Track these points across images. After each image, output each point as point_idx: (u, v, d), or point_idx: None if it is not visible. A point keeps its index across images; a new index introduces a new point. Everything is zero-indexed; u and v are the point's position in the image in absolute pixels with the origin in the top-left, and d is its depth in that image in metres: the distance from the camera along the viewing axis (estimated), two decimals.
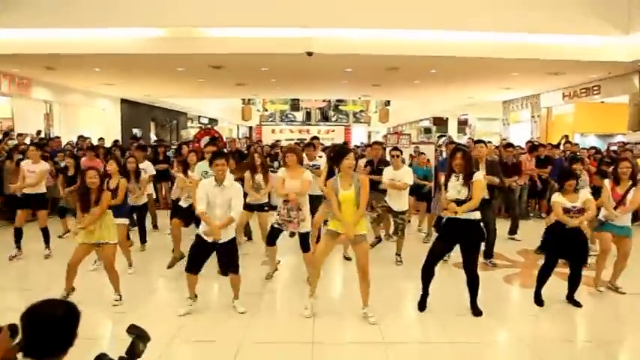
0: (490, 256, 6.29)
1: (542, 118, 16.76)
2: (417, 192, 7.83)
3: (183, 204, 6.03)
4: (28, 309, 1.74)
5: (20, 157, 8.23)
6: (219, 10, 8.88)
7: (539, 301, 4.86)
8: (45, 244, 6.49)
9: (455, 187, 4.48)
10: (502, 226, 7.67)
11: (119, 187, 5.46)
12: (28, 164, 6.57)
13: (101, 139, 13.33)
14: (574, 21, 9.00)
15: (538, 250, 5.49)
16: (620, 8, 9.24)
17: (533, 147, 9.60)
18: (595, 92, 13.46)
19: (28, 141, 10.84)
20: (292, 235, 6.03)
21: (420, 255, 4.84)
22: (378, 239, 6.90)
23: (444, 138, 16.81)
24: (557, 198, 4.86)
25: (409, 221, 6.49)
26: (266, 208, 6.26)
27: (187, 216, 5.86)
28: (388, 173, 6.34)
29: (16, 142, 10.56)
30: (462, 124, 25.35)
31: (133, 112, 20.32)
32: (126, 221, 5.82)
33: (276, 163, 11.15)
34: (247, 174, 6.13)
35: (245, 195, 6.31)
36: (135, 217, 7.02)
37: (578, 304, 4.81)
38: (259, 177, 6.12)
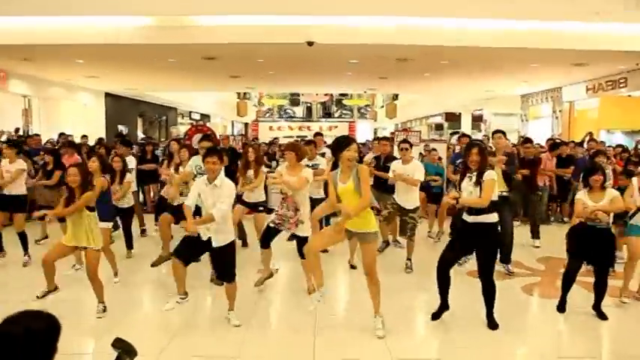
0: (507, 261, 6.27)
1: (564, 113, 16.73)
2: (428, 191, 7.81)
3: (174, 203, 6.06)
4: (3, 322, 1.74)
5: None
6: None
7: (562, 307, 4.86)
8: (23, 250, 6.50)
9: (467, 189, 4.47)
10: (521, 231, 7.68)
11: (96, 185, 5.43)
12: (6, 164, 6.65)
13: (84, 136, 13.36)
14: (599, 7, 8.97)
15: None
16: None
17: (554, 145, 9.55)
18: (622, 85, 13.43)
19: (4, 139, 10.86)
20: (290, 239, 6.02)
21: (432, 262, 4.83)
22: (386, 243, 6.86)
23: (456, 135, 16.79)
24: (580, 195, 4.83)
25: (420, 221, 6.43)
26: (261, 209, 6.28)
27: (178, 212, 5.85)
28: (396, 168, 6.31)
29: None
30: (477, 120, 25.29)
31: (118, 107, 20.36)
32: (109, 225, 5.84)
33: (274, 163, 11.17)
34: (241, 170, 6.19)
35: (242, 192, 6.39)
36: (119, 221, 7.02)
37: (603, 316, 4.78)
38: (251, 172, 6.22)
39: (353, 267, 6.34)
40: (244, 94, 27.66)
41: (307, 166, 6.25)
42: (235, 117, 29.65)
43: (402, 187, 6.27)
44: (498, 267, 5.94)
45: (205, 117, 29.53)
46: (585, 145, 10.80)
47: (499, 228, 4.64)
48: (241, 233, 7.17)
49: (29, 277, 5.78)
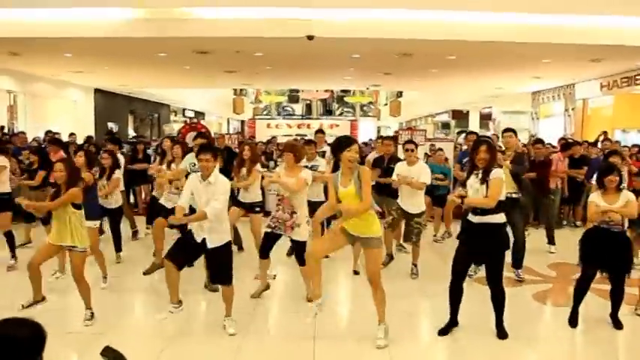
0: (519, 266, 6.25)
1: (577, 111, 16.73)
2: (433, 193, 7.80)
3: (165, 203, 6.04)
4: None
5: None
6: None
7: (574, 321, 4.81)
8: (10, 252, 6.47)
9: (473, 186, 4.45)
10: (532, 236, 7.66)
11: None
12: None
13: (72, 134, 13.37)
14: (614, 1, 8.96)
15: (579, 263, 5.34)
16: None
17: (566, 145, 9.54)
18: (638, 82, 13.43)
19: None
20: (289, 254, 6.06)
21: (437, 267, 4.84)
22: (390, 257, 6.62)
23: (464, 134, 16.81)
24: (594, 197, 4.79)
25: (426, 225, 6.40)
26: (257, 209, 6.28)
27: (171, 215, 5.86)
28: (400, 170, 6.27)
29: None
30: (485, 119, 25.31)
31: (108, 103, 20.37)
32: (96, 224, 5.83)
33: (271, 163, 11.17)
34: (235, 169, 6.20)
35: (238, 192, 6.39)
36: (107, 224, 7.00)
37: (619, 325, 4.76)
38: (244, 171, 6.25)
39: (356, 273, 6.34)
40: (241, 90, 27.68)
41: (305, 167, 6.25)
42: (231, 114, 29.66)
43: (406, 190, 6.23)
44: (509, 273, 5.95)
45: (200, 114, 29.56)
46: (599, 145, 10.80)
47: (509, 231, 4.62)
48: (237, 238, 7.16)
49: (15, 282, 5.75)
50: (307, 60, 12.97)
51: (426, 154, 9.95)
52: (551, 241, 7.67)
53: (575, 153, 9.29)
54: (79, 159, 5.65)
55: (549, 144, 11.74)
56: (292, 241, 5.34)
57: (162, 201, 6.20)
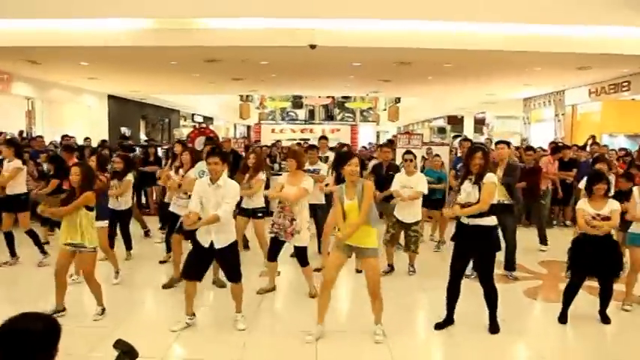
0: (511, 268, 6.24)
1: (567, 116, 16.69)
2: (430, 199, 7.77)
3: (174, 209, 6.00)
4: (3, 324, 1.74)
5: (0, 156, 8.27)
6: None
7: (563, 319, 4.81)
8: (38, 248, 6.50)
9: (466, 190, 4.44)
10: (523, 235, 7.64)
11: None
12: (6, 164, 6.61)
13: (87, 138, 13.40)
14: (602, 11, 8.95)
15: (567, 272, 5.26)
16: None
17: (556, 148, 9.52)
18: (624, 89, 13.39)
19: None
20: (293, 255, 6.03)
21: (434, 265, 4.84)
22: (391, 268, 6.44)
23: (459, 138, 16.79)
24: (582, 205, 4.81)
25: (422, 233, 6.38)
26: (259, 215, 6.20)
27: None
28: (400, 180, 6.29)
29: None
30: (479, 124, 25.29)
31: (121, 109, 20.40)
32: (105, 224, 5.81)
33: (276, 166, 11.18)
34: (239, 174, 6.16)
35: (241, 200, 6.34)
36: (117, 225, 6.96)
37: (607, 321, 4.77)
38: (247, 177, 6.16)
39: (359, 271, 6.30)
40: (247, 96, 27.68)
41: (308, 170, 6.24)
42: (238, 119, 29.64)
43: (403, 201, 6.21)
44: (501, 271, 5.94)
45: (208, 119, 29.58)
46: (588, 149, 10.77)
47: (500, 234, 4.61)
48: (243, 237, 7.13)
49: (43, 277, 5.76)
50: (310, 68, 12.98)
51: (423, 157, 9.93)
52: (542, 240, 7.66)
53: (564, 156, 9.27)
54: (92, 163, 5.66)
55: (540, 147, 11.74)
56: (294, 247, 5.35)
57: (171, 208, 6.09)
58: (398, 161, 7.81)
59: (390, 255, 6.42)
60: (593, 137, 12.29)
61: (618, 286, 5.12)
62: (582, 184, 5.38)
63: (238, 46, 9.84)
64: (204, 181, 4.48)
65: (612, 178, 7.20)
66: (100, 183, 5.52)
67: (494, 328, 4.49)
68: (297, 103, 30.48)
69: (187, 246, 5.95)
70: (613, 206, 4.71)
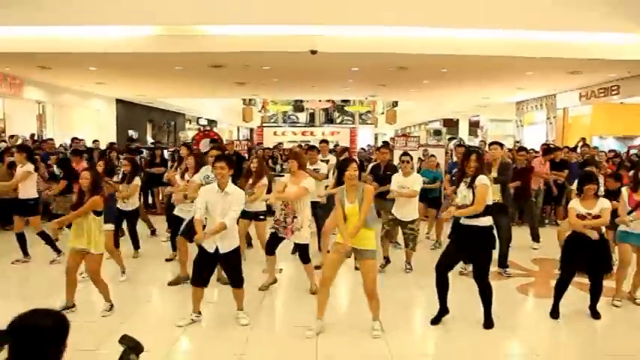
0: (504, 265, 6.24)
1: (558, 119, 16.69)
2: (426, 197, 7.80)
3: (179, 213, 5.99)
4: (13, 320, 1.73)
5: (12, 159, 8.26)
6: (218, 6, 8.88)
7: (555, 313, 4.80)
8: (51, 247, 6.51)
9: (462, 192, 4.45)
10: (516, 233, 7.62)
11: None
12: (20, 168, 6.58)
13: (95, 141, 13.41)
14: (592, 18, 8.95)
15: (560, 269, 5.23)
16: None
17: (547, 150, 9.50)
18: (614, 92, 13.39)
19: (19, 143, 10.89)
20: (294, 252, 6.02)
21: (431, 262, 4.82)
22: (387, 260, 6.47)
23: (454, 140, 16.77)
24: (573, 204, 4.83)
25: (418, 230, 6.38)
26: (261, 217, 6.13)
27: (190, 230, 5.74)
28: (397, 180, 6.29)
29: (7, 144, 10.62)
30: (474, 126, 25.26)
31: (128, 112, 20.40)
32: (111, 227, 5.77)
33: (277, 167, 11.17)
34: (242, 179, 6.11)
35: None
36: (125, 225, 6.93)
37: (597, 316, 4.77)
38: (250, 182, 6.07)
39: (358, 268, 6.29)
40: (250, 100, 27.70)
41: (309, 170, 6.23)
42: (241, 122, 29.66)
43: (400, 199, 6.21)
44: (495, 268, 5.93)
45: (212, 122, 29.55)
46: (579, 150, 10.77)
47: (495, 233, 4.61)
48: (246, 236, 7.11)
49: (51, 274, 5.78)
50: (310, 73, 12.98)
51: (419, 158, 9.93)
52: (535, 238, 7.65)
53: (556, 157, 9.27)
54: (99, 167, 5.64)
55: (532, 149, 11.74)
56: (295, 243, 5.33)
57: (176, 211, 6.05)
58: (395, 161, 7.82)
59: (386, 249, 6.42)
60: (584, 139, 12.30)
61: (608, 283, 5.12)
62: (575, 186, 5.39)
63: (241, 52, 9.85)
64: (213, 188, 4.42)
65: (601, 178, 7.19)
66: (109, 187, 5.51)
67: (488, 323, 4.48)
68: (298, 106, 30.48)
69: (192, 246, 6.00)
70: (603, 205, 4.72)
